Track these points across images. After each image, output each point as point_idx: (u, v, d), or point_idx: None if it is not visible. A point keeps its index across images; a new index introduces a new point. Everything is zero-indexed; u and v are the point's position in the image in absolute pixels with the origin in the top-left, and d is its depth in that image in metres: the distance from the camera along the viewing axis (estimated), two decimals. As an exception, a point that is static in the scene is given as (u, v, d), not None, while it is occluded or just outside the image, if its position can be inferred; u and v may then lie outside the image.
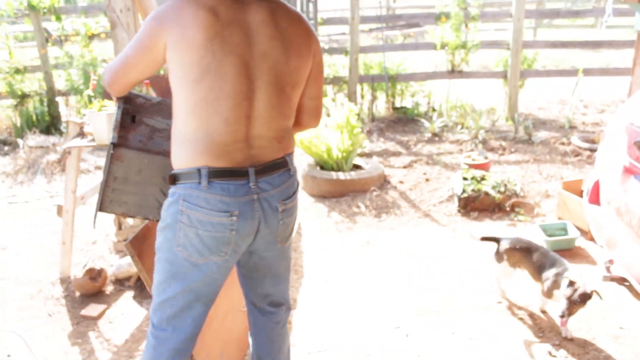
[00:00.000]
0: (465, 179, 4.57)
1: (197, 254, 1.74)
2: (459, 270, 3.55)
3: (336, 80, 7.09)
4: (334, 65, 7.18)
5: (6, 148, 6.46)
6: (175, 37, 1.63)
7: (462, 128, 6.47)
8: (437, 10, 6.86)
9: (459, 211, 4.46)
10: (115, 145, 1.95)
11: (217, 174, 1.68)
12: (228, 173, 1.69)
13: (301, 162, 5.43)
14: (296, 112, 1.87)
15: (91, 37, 6.99)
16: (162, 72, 4.26)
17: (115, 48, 3.68)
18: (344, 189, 4.87)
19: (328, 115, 5.38)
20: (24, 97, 6.86)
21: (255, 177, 1.72)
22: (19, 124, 6.76)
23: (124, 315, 3.15)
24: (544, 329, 2.92)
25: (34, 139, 6.21)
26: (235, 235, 1.74)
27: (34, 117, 6.83)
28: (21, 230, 4.30)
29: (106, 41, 7.27)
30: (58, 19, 6.93)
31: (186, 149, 1.70)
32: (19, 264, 3.76)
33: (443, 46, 6.83)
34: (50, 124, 6.90)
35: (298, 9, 6.61)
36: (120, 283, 3.47)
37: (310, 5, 6.25)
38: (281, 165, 1.80)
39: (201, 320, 1.88)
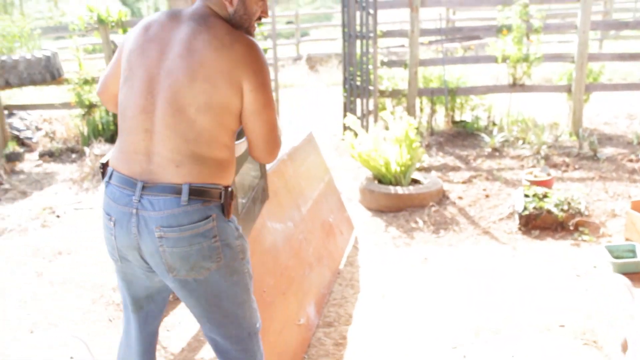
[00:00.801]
0: (526, 196, 4.47)
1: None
2: (519, 288, 3.47)
3: (395, 94, 7.08)
4: (393, 78, 7.17)
5: (73, 156, 6.77)
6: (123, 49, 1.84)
7: (523, 143, 6.34)
8: (498, 23, 6.76)
9: (519, 229, 4.37)
10: None
11: (114, 177, 1.79)
12: (121, 180, 1.77)
13: (359, 175, 5.44)
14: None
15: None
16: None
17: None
18: (402, 203, 4.85)
19: (386, 128, 5.38)
20: (91, 107, 7.16)
21: (140, 192, 1.73)
22: (85, 133, 7.09)
23: (181, 324, 3.23)
24: (611, 356, 2.82)
25: (100, 147, 6.46)
26: (116, 241, 1.80)
27: (100, 126, 7.14)
28: (85, 236, 4.47)
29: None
30: (125, 32, 7.20)
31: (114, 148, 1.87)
32: (83, 268, 3.90)
33: (504, 59, 6.72)
34: (115, 133, 7.17)
35: (357, 22, 6.69)
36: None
37: (370, 18, 6.27)
38: (173, 191, 1.73)
39: (140, 325, 2.01)
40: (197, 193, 1.74)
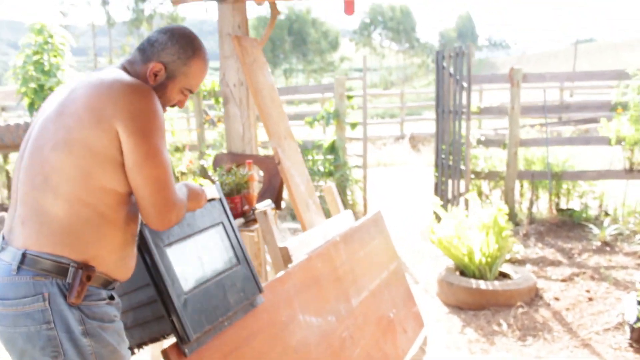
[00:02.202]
0: (640, 303, 3.64)
1: None
2: None
3: (492, 176, 6.44)
4: (490, 159, 6.56)
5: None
6: None
7: (641, 238, 5.42)
8: (613, 100, 6.02)
9: (631, 345, 3.53)
10: None
11: None
12: None
13: (441, 264, 4.83)
14: None
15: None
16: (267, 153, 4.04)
17: (226, 124, 3.53)
18: (484, 300, 4.15)
19: (465, 210, 4.77)
20: (181, 174, 7.16)
21: None
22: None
23: None
24: None
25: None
26: None
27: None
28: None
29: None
30: (217, 101, 7.24)
31: None
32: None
33: (619, 141, 5.91)
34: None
35: (449, 98, 6.22)
36: None
37: (464, 92, 5.78)
38: (10, 257, 1.49)
39: None
40: (30, 262, 1.47)
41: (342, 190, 6.73)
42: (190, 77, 1.74)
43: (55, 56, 6.25)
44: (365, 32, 52.68)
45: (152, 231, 1.84)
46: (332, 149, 6.93)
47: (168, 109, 1.80)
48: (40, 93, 6.13)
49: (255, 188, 3.41)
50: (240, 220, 3.01)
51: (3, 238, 1.57)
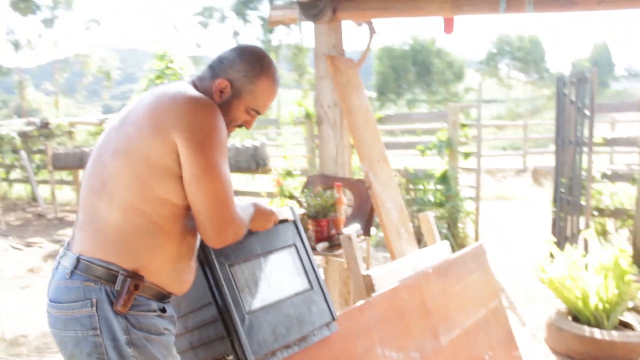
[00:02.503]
0: None
1: None
2: None
3: (618, 213, 5.87)
4: (616, 195, 5.98)
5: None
6: None
7: None
8: None
9: None
10: None
11: None
12: None
13: (550, 306, 4.42)
14: None
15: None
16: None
17: (320, 146, 3.46)
18: (598, 351, 3.71)
19: (584, 249, 4.32)
20: (291, 197, 7.26)
21: (58, 260, 1.56)
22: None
23: None
24: None
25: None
26: None
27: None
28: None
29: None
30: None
31: None
32: None
33: None
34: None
35: (570, 128, 5.73)
36: None
37: (586, 121, 5.32)
38: (66, 261, 1.51)
39: None
40: (82, 268, 1.47)
41: (453, 222, 6.44)
42: (257, 97, 1.68)
43: (175, 80, 6.60)
44: (491, 62, 51.26)
45: (215, 251, 1.79)
46: (444, 178, 6.67)
47: (243, 129, 1.77)
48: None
49: (345, 212, 3.30)
50: (325, 244, 2.91)
51: (68, 244, 1.59)
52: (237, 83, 1.64)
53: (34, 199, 10.46)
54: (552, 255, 4.40)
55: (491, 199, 10.24)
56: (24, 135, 11.30)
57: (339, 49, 3.34)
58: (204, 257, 1.78)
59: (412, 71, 42.74)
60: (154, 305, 1.55)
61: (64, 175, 11.56)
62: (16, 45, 24.35)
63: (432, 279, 3.01)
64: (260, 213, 1.80)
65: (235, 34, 32.25)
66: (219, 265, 1.80)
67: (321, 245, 2.88)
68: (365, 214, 3.18)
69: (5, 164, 11.85)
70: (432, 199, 6.62)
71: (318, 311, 2.12)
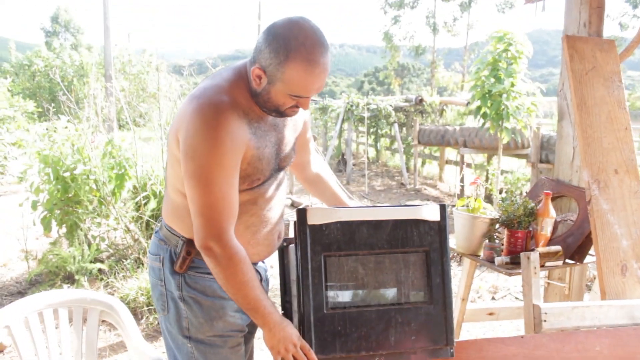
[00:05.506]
0: None
1: None
2: None
3: None
4: None
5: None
6: None
7: None
8: None
9: None
10: None
11: None
12: None
13: None
14: None
15: None
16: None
17: (557, 144, 2.86)
18: None
19: None
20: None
21: None
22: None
23: None
24: None
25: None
26: None
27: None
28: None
29: None
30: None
31: None
32: None
33: None
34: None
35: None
36: None
37: None
38: (160, 221, 1.77)
39: None
40: (160, 228, 1.73)
41: None
42: (291, 84, 1.49)
43: (511, 64, 6.26)
44: None
45: (315, 237, 1.69)
46: None
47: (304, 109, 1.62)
48: (487, 98, 6.27)
49: (561, 228, 2.71)
50: (504, 259, 2.46)
51: None
52: (268, 70, 1.50)
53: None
54: None
55: None
56: (400, 110, 12.29)
57: (595, 28, 2.66)
58: (299, 239, 1.68)
59: None
60: None
61: (434, 150, 12.17)
62: (434, 28, 26.13)
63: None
64: (267, 318, 1.59)
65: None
66: (311, 252, 1.68)
67: (499, 260, 2.43)
68: (583, 235, 2.52)
69: (380, 134, 13.18)
70: None
71: (429, 330, 1.81)
